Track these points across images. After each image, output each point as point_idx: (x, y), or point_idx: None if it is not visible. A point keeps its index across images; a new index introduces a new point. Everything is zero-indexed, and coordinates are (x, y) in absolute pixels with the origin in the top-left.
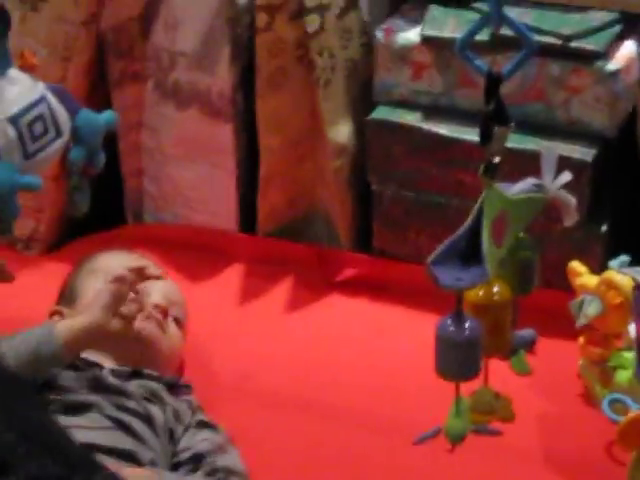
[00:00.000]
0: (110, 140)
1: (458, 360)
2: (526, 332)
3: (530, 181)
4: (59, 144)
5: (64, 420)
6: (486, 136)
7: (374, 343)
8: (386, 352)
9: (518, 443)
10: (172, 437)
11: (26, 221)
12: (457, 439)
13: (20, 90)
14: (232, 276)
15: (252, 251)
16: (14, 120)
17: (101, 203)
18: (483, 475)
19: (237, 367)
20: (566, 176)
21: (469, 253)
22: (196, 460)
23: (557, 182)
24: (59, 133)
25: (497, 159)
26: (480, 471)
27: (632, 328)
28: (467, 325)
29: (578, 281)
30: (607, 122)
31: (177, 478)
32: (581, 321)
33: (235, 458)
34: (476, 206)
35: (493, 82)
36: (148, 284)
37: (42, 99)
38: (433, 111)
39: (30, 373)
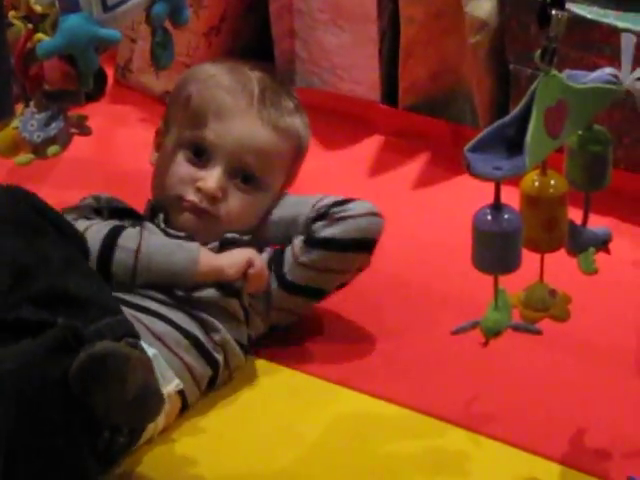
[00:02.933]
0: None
1: (494, 252)
2: (600, 230)
3: (606, 70)
4: None
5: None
6: (544, 20)
7: None
8: None
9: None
10: None
11: None
12: (491, 333)
13: None
14: (367, 147)
15: (389, 123)
16: None
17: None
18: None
19: None
20: None
21: (518, 142)
22: None
23: (635, 74)
24: None
25: (554, 45)
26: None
27: None
28: (505, 216)
29: None
30: None
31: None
32: None
33: None
34: (528, 92)
35: None
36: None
37: None
38: None
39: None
